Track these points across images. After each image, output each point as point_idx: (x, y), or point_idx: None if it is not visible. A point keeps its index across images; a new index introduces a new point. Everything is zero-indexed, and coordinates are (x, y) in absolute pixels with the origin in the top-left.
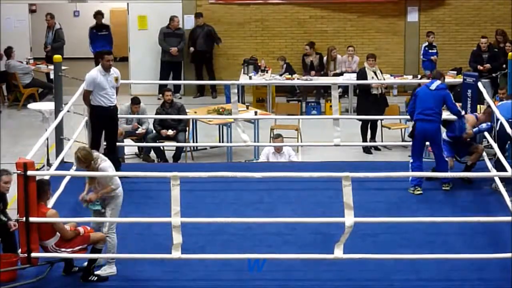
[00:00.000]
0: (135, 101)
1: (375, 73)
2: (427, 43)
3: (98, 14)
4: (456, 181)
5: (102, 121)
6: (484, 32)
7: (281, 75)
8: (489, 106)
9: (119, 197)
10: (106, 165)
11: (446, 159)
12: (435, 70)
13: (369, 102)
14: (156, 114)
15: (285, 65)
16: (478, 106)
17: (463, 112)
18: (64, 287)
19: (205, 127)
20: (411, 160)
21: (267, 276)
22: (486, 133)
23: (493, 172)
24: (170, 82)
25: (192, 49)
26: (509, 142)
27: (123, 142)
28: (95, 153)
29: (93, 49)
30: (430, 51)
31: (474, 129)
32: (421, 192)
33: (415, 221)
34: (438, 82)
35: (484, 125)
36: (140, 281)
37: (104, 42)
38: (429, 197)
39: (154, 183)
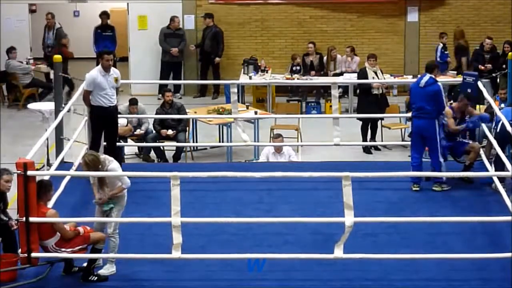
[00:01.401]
0: (133, 102)
1: (375, 73)
2: (441, 45)
3: (103, 15)
4: (457, 181)
5: (102, 121)
6: (484, 32)
7: (303, 74)
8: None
9: (125, 197)
10: (114, 166)
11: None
12: (429, 61)
13: (370, 102)
14: (156, 114)
15: (299, 66)
16: (478, 106)
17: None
18: (64, 287)
19: (205, 127)
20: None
21: (267, 276)
22: (487, 133)
23: (493, 172)
24: (170, 82)
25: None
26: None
27: (127, 140)
28: (102, 156)
29: (96, 49)
30: (445, 52)
31: (464, 124)
32: (418, 189)
33: (415, 221)
34: (427, 77)
35: (473, 119)
36: (140, 281)
37: (107, 42)
38: (429, 197)
39: (154, 183)
